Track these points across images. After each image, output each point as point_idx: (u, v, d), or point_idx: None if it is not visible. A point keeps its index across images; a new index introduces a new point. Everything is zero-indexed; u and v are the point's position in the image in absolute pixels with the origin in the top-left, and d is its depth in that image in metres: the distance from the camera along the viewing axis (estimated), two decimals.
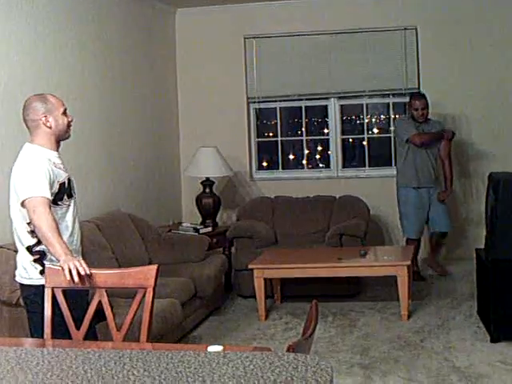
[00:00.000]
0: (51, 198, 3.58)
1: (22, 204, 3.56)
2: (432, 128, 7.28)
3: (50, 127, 3.69)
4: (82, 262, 3.31)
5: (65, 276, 3.23)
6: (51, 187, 3.59)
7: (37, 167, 3.60)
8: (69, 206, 3.74)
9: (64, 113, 3.74)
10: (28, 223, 3.64)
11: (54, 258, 3.58)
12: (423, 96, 7.29)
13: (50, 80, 5.73)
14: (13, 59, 5.29)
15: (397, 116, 8.62)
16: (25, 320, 3.93)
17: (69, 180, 3.77)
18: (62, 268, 3.27)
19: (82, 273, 3.23)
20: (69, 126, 3.77)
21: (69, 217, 3.73)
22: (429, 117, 7.35)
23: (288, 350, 2.31)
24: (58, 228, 3.53)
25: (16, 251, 3.95)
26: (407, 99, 8.34)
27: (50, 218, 3.51)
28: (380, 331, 5.79)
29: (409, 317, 6.06)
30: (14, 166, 3.71)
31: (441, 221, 7.33)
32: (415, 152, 7.21)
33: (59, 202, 3.65)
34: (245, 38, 8.57)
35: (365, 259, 6.31)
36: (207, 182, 7.91)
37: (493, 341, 5.32)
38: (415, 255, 7.04)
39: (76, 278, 3.22)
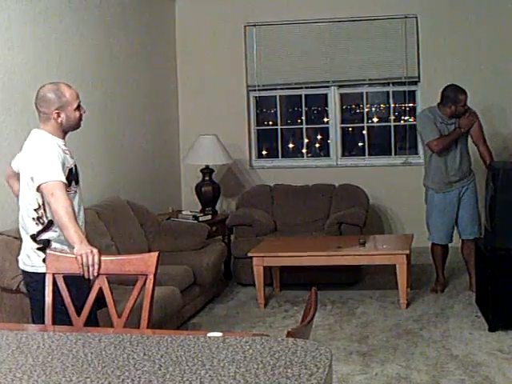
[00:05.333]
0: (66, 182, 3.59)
1: (38, 188, 3.56)
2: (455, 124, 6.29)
3: (61, 123, 3.69)
4: (96, 253, 3.32)
5: (78, 265, 3.25)
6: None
7: (50, 152, 3.60)
8: (75, 192, 3.75)
9: (77, 107, 3.72)
10: (36, 209, 3.64)
11: (57, 246, 3.60)
12: (464, 90, 6.24)
13: (49, 66, 5.73)
14: (13, 45, 5.27)
15: (397, 105, 8.63)
16: (25, 307, 3.96)
17: (75, 166, 3.78)
18: (76, 257, 3.29)
19: (96, 268, 3.25)
20: (80, 119, 3.77)
21: (75, 203, 3.72)
22: None
23: (287, 336, 2.32)
24: (74, 213, 3.53)
25: (17, 238, 3.96)
26: (407, 88, 8.37)
27: (68, 203, 3.51)
28: (379, 319, 5.81)
29: (407, 305, 6.08)
30: (23, 151, 3.71)
31: (467, 226, 6.41)
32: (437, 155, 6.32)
33: (67, 189, 3.63)
34: (245, 26, 8.55)
35: (364, 248, 6.32)
36: (207, 170, 7.92)
37: (491, 330, 5.34)
38: (442, 263, 6.53)
39: (91, 276, 3.25)
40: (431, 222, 6.47)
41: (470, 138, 6.44)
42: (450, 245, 6.54)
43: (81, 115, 3.76)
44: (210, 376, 2.00)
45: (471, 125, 6.31)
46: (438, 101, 6.40)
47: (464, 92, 6.23)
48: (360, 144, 8.75)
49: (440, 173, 6.34)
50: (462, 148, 6.35)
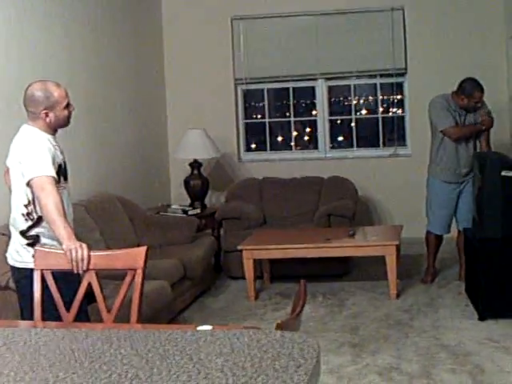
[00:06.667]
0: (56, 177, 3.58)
1: (28, 183, 3.54)
2: (474, 118, 6.28)
3: (50, 122, 3.67)
4: (85, 248, 3.30)
5: (67, 260, 3.24)
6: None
7: (41, 146, 3.59)
8: (64, 188, 3.73)
9: (66, 105, 3.69)
10: (26, 205, 3.62)
11: (47, 242, 3.58)
12: (482, 88, 6.19)
13: (36, 62, 5.70)
14: None
15: (385, 97, 8.63)
16: (14, 303, 3.93)
17: (64, 163, 3.77)
18: (65, 252, 3.28)
19: (85, 263, 3.23)
20: (69, 117, 3.75)
21: (64, 200, 3.68)
22: None
23: (277, 329, 2.32)
24: (63, 209, 3.51)
25: (4, 234, 3.94)
26: (394, 79, 8.38)
27: (57, 198, 3.49)
28: (369, 310, 5.83)
29: (398, 296, 6.10)
30: (13, 147, 3.68)
31: (464, 217, 6.28)
32: (451, 144, 6.25)
33: (56, 185, 3.62)
34: (232, 19, 8.53)
35: (353, 239, 6.33)
36: (195, 164, 7.91)
37: (481, 319, 5.37)
38: (434, 253, 6.55)
39: (80, 270, 3.23)
40: (430, 211, 6.47)
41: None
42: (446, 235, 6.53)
43: (70, 113, 3.74)
44: (197, 369, 1.99)
45: (491, 126, 6.29)
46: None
47: (481, 90, 6.17)
48: (348, 136, 8.76)
49: (451, 163, 6.29)
50: (473, 140, 6.32)
